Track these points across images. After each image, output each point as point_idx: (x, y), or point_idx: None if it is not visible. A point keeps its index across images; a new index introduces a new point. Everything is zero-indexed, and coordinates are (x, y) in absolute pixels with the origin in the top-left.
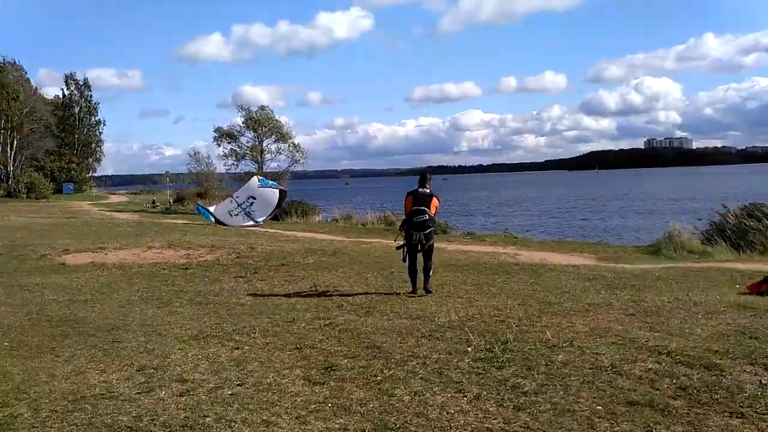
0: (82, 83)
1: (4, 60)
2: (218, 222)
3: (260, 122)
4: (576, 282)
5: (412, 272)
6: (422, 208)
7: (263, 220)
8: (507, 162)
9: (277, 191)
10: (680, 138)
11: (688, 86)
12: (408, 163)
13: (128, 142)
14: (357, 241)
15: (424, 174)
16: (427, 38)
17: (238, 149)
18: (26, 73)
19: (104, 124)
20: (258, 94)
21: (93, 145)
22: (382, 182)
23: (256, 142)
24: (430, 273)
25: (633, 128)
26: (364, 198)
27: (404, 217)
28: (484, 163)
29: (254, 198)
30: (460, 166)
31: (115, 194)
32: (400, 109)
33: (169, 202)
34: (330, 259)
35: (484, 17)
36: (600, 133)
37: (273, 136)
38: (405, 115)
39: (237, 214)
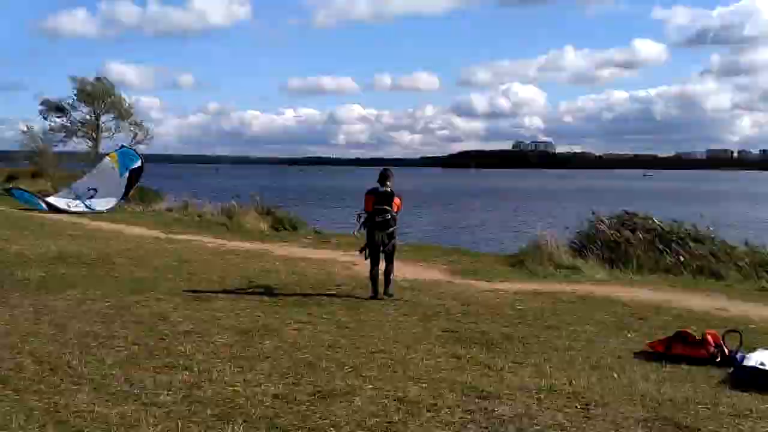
0: None
1: None
2: (52, 208)
3: (96, 96)
4: (398, 317)
5: (375, 274)
6: (384, 206)
7: (107, 210)
8: (385, 157)
9: (125, 178)
10: (545, 142)
11: (551, 94)
12: (285, 152)
13: None
14: (173, 239)
15: (385, 171)
16: (302, 30)
17: (69, 125)
18: None
19: None
20: (126, 73)
21: None
22: (257, 170)
23: (91, 118)
24: (391, 277)
25: (500, 131)
26: (228, 185)
27: (364, 213)
28: (362, 157)
29: (95, 189)
30: (338, 159)
31: None
32: (275, 99)
33: None
34: (77, 271)
35: (358, 14)
36: (470, 133)
37: (112, 113)
38: (281, 103)
39: (76, 205)
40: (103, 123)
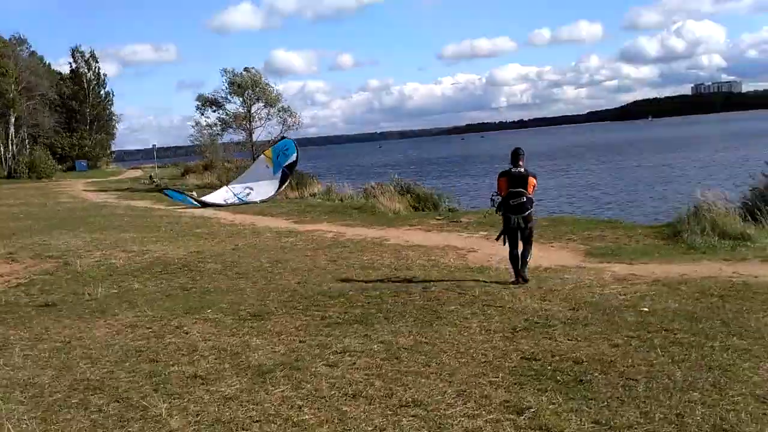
0: (89, 55)
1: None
2: (205, 204)
3: (246, 86)
4: (478, 332)
5: (514, 259)
6: (519, 189)
7: (260, 201)
8: (548, 116)
9: (278, 176)
10: (729, 82)
11: (730, 28)
12: (447, 122)
13: (169, 114)
14: (295, 230)
15: (516, 151)
16: None
17: (226, 117)
18: (30, 46)
19: (113, 96)
20: (291, 60)
21: (105, 119)
22: (419, 142)
23: (243, 109)
24: (528, 259)
25: (676, 75)
26: (384, 162)
27: (498, 197)
28: (525, 118)
29: (251, 189)
30: (500, 122)
31: (136, 168)
32: (433, 68)
33: (151, 177)
34: (153, 284)
35: None
36: (641, 81)
37: (262, 101)
38: (439, 73)
39: (231, 199)
40: (254, 112)
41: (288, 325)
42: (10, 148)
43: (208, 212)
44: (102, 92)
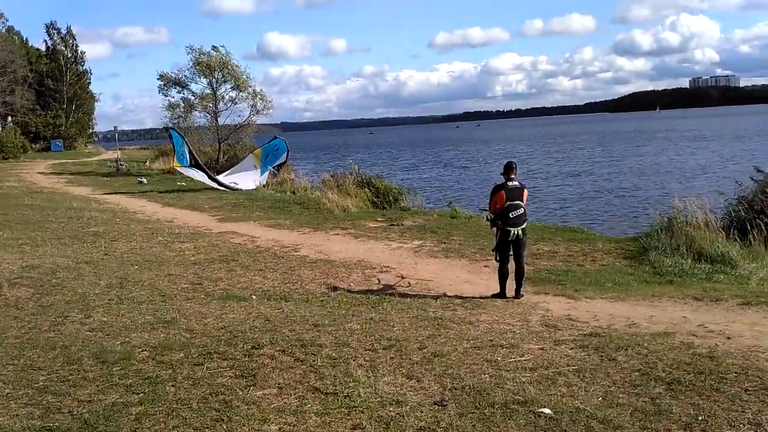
0: (65, 32)
1: None
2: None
3: (213, 67)
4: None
5: (505, 273)
6: (517, 201)
7: (246, 190)
8: (546, 105)
9: (266, 173)
10: (727, 76)
11: (722, 24)
12: (443, 110)
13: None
14: (203, 232)
15: (509, 164)
16: None
17: (191, 97)
18: (6, 21)
19: (91, 74)
20: (285, 43)
21: (82, 98)
22: (411, 130)
23: (209, 90)
24: (524, 278)
25: (670, 68)
26: (367, 154)
27: (488, 211)
28: (522, 108)
29: (236, 183)
30: (497, 111)
31: (116, 150)
32: (426, 56)
33: (117, 161)
34: None
35: None
36: (636, 73)
37: (230, 84)
38: (432, 61)
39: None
40: (221, 94)
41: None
42: None
43: (140, 203)
44: (80, 70)
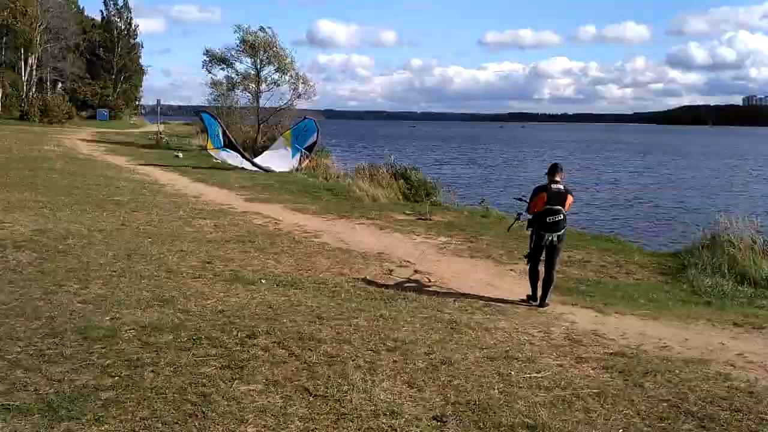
0: (121, 4)
1: None
2: (230, 149)
3: (258, 47)
4: None
5: (536, 275)
6: (557, 207)
7: (279, 171)
8: (593, 112)
9: (297, 155)
10: None
11: None
12: (488, 108)
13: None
14: (244, 211)
15: (554, 166)
16: None
17: (235, 76)
18: None
19: (143, 47)
20: (335, 30)
21: (131, 71)
22: (454, 127)
23: (252, 71)
24: (551, 287)
25: (723, 84)
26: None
27: (527, 214)
28: (570, 112)
29: (269, 166)
30: (543, 114)
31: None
32: (474, 54)
33: (158, 134)
34: None
35: None
36: (688, 87)
37: (274, 65)
38: (480, 59)
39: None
40: (264, 75)
41: None
42: (24, 89)
43: (171, 177)
44: (132, 42)
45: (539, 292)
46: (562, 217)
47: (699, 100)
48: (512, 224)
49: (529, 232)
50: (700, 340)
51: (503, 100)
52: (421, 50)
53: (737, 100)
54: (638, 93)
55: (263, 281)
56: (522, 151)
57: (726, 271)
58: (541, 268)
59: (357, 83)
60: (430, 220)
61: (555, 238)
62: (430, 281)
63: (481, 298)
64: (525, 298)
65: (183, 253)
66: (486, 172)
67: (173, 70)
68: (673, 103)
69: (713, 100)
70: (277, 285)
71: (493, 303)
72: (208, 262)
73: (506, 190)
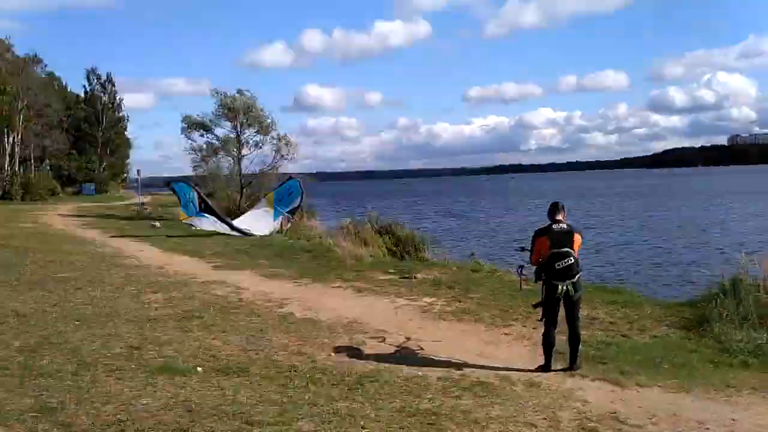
0: (105, 79)
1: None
2: (207, 213)
3: (237, 110)
4: None
5: (550, 340)
6: (565, 249)
7: (260, 235)
8: (580, 160)
9: (279, 218)
10: (766, 134)
11: (759, 82)
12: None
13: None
14: (206, 281)
15: (556, 204)
16: (474, 40)
17: (215, 142)
18: (45, 66)
19: (128, 120)
20: (322, 95)
21: (117, 144)
22: (444, 182)
23: (233, 135)
24: (580, 345)
25: (706, 126)
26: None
27: (530, 264)
28: (557, 161)
29: (249, 229)
30: (532, 165)
31: (147, 194)
32: (460, 109)
33: (141, 205)
34: None
35: (528, 21)
36: (670, 130)
37: (254, 127)
38: (466, 114)
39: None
40: (245, 139)
41: None
42: (5, 168)
43: (140, 247)
44: (117, 116)
45: (566, 355)
46: (573, 260)
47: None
48: (521, 283)
49: (539, 285)
50: (750, 418)
51: (491, 153)
52: (407, 110)
53: (722, 140)
54: (623, 139)
55: (199, 369)
56: (517, 201)
57: (756, 320)
58: (554, 332)
59: (346, 144)
60: (415, 278)
61: (570, 287)
62: (404, 350)
63: (468, 374)
64: (535, 369)
65: (109, 338)
66: (478, 225)
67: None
68: (659, 146)
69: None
70: (216, 373)
71: (485, 380)
72: (136, 348)
73: (498, 238)
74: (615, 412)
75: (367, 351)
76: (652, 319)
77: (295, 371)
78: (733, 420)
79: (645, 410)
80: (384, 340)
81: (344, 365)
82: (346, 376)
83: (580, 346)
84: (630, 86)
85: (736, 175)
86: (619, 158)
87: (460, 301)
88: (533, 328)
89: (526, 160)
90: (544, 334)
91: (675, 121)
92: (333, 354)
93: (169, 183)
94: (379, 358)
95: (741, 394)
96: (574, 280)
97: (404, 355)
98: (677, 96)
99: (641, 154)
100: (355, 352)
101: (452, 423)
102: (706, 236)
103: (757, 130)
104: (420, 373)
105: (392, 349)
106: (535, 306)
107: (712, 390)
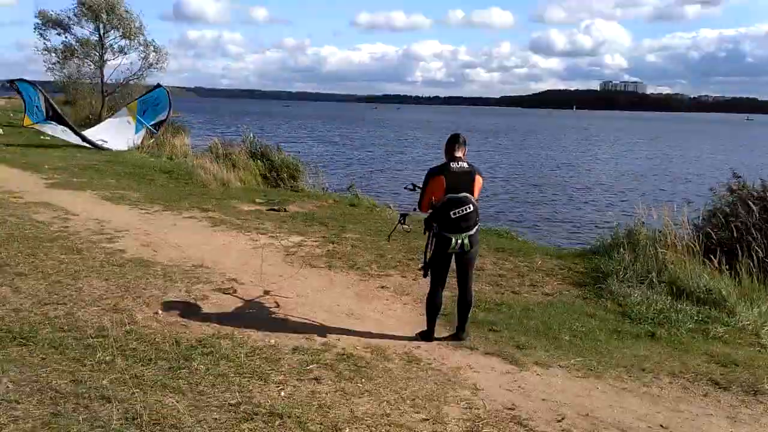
0: None
1: None
2: (54, 119)
3: (98, 10)
4: None
5: (437, 304)
6: (463, 194)
7: (116, 149)
8: (464, 95)
9: (142, 131)
10: (635, 83)
11: (633, 33)
12: (363, 90)
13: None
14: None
15: (455, 137)
16: None
17: (74, 43)
18: None
19: None
20: (204, 5)
21: None
22: (329, 107)
23: (94, 38)
24: (470, 311)
25: (581, 70)
26: (279, 126)
27: (419, 212)
28: (441, 95)
29: (104, 140)
30: (417, 97)
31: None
32: (348, 34)
33: None
34: None
35: None
36: (549, 72)
37: (119, 31)
38: (354, 40)
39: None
40: (109, 43)
41: None
42: None
43: None
44: None
45: (452, 317)
46: (472, 208)
47: (560, 85)
48: (393, 229)
49: (427, 236)
50: (681, 423)
51: (379, 82)
52: (294, 29)
53: (595, 85)
54: (505, 77)
55: None
56: (405, 132)
57: (654, 280)
58: (441, 294)
59: (230, 60)
60: (285, 211)
61: (466, 241)
62: (257, 308)
63: (335, 342)
64: (415, 335)
65: None
66: (364, 155)
67: (29, 44)
68: (537, 87)
69: (573, 85)
70: None
71: (353, 352)
72: None
73: (387, 173)
74: (513, 408)
75: (207, 308)
76: (544, 273)
77: (102, 336)
78: (663, 427)
79: (549, 402)
80: (234, 292)
81: (173, 329)
82: (172, 345)
83: (469, 314)
84: (514, 25)
85: (614, 120)
86: (499, 96)
87: (332, 243)
88: (413, 279)
89: (412, 91)
90: (429, 295)
91: (553, 63)
92: (161, 312)
93: (12, 82)
94: (223, 318)
95: (661, 382)
96: (471, 232)
97: (256, 315)
98: (557, 38)
99: (521, 93)
100: (191, 310)
101: (298, 422)
102: (593, 182)
103: (626, 77)
104: (272, 341)
105: (242, 306)
106: (422, 267)
107: (625, 375)
